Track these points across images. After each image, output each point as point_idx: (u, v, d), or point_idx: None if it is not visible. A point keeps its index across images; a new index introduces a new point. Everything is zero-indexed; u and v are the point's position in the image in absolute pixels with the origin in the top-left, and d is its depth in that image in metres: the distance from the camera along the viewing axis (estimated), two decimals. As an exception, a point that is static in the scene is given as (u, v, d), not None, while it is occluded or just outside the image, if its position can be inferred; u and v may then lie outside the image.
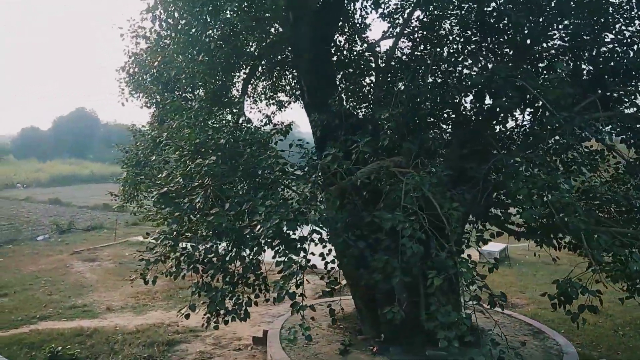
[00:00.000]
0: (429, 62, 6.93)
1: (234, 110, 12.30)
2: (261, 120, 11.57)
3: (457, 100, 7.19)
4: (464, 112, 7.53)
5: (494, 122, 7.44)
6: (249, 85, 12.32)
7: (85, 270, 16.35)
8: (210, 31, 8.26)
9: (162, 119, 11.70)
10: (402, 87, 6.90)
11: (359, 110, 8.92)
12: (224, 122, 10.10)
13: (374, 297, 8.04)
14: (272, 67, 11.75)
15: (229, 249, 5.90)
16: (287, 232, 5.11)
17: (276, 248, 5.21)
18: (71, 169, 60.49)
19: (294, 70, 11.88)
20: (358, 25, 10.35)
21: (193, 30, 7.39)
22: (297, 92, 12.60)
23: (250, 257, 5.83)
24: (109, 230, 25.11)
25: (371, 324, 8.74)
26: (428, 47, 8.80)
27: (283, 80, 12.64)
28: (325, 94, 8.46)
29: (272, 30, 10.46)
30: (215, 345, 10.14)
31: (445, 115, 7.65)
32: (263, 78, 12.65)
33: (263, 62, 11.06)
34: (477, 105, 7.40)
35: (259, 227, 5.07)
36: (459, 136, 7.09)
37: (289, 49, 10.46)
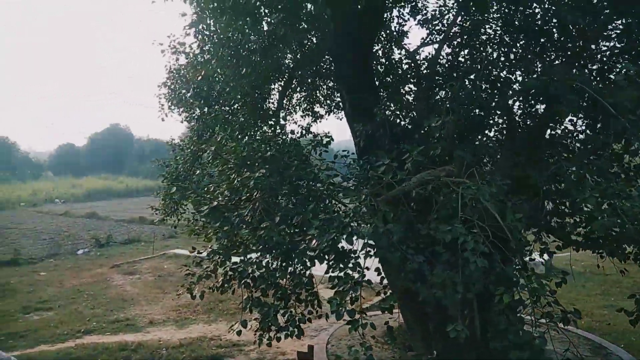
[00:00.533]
0: (479, 67, 6.69)
1: (270, 123, 12.33)
2: (299, 132, 11.52)
3: (509, 106, 6.92)
4: (514, 118, 7.25)
5: (548, 128, 7.13)
6: (285, 97, 12.33)
7: (125, 284, 16.55)
8: (251, 44, 8.27)
9: (201, 133, 11.81)
10: (450, 94, 6.67)
11: (401, 119, 8.73)
12: (267, 134, 10.10)
13: (425, 311, 7.78)
14: (308, 78, 11.70)
15: (279, 263, 5.80)
16: (342, 246, 4.96)
17: (331, 263, 5.06)
18: (106, 183, 61.94)
19: (330, 81, 11.81)
20: (395, 33, 10.20)
21: (233, 44, 7.37)
22: (333, 103, 12.53)
23: (301, 271, 5.71)
24: (146, 243, 25.44)
25: (421, 339, 8.46)
26: (472, 53, 8.56)
27: (318, 92, 12.61)
28: (367, 103, 8.32)
29: (308, 41, 10.42)
30: (260, 360, 10.03)
31: (495, 122, 7.38)
32: (299, 89, 12.64)
33: (299, 73, 11.02)
34: (529, 110, 7.12)
35: (314, 241, 4.94)
36: (511, 143, 6.82)
37: (328, 58, 10.39)
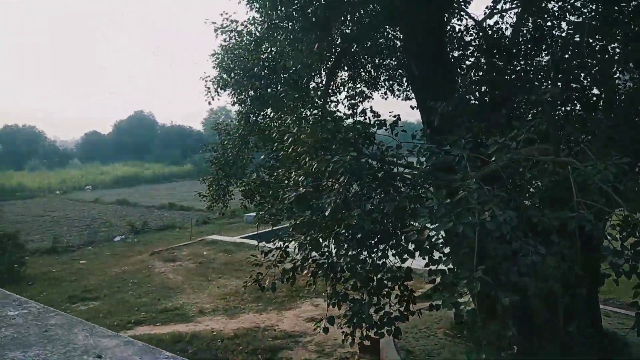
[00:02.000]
0: (565, 34, 5.92)
1: (317, 103, 11.73)
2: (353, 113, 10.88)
3: (610, 74, 6.17)
4: (614, 87, 6.49)
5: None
6: (335, 76, 11.68)
7: (167, 271, 16.30)
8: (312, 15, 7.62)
9: (249, 116, 11.29)
10: (551, 63, 5.95)
11: (479, 95, 8.01)
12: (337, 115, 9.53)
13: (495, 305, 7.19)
14: (361, 56, 11.01)
15: (372, 255, 5.26)
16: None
17: (441, 256, 4.48)
18: (133, 170, 62.29)
19: (379, 57, 11.07)
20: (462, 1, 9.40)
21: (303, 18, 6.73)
22: (379, 81, 11.78)
23: (398, 265, 5.16)
24: (180, 229, 25.30)
25: (497, 334, 7.88)
26: (553, 20, 7.75)
27: (363, 71, 11.85)
28: (440, 78, 7.67)
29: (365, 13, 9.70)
30: (319, 353, 9.59)
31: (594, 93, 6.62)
32: (346, 68, 11.94)
33: (355, 48, 10.31)
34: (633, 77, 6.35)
35: (425, 232, 4.35)
36: (622, 117, 6.08)
37: (384, 31, 9.68)
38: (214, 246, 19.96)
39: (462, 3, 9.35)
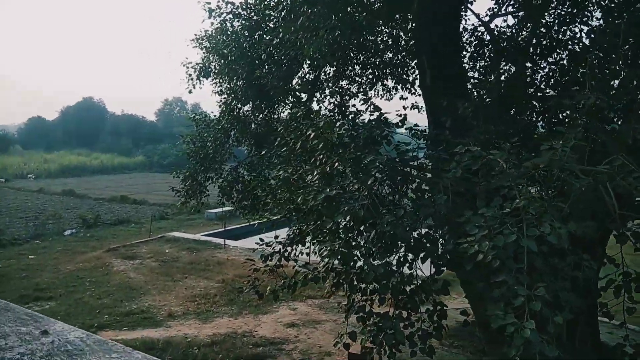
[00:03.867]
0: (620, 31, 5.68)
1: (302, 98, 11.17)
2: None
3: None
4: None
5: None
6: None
7: (127, 270, 15.22)
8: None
9: (234, 106, 10.58)
10: (588, 69, 5.68)
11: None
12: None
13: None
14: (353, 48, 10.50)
15: (400, 265, 4.81)
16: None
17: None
18: (80, 159, 59.17)
19: (372, 55, 10.58)
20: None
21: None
22: (370, 80, 11.34)
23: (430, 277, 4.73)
24: (136, 224, 23.97)
25: (497, 343, 7.65)
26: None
27: (348, 69, 11.32)
28: (452, 77, 7.34)
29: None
30: (305, 361, 9.06)
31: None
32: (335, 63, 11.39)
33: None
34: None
35: (476, 245, 3.92)
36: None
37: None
38: (176, 244, 18.95)
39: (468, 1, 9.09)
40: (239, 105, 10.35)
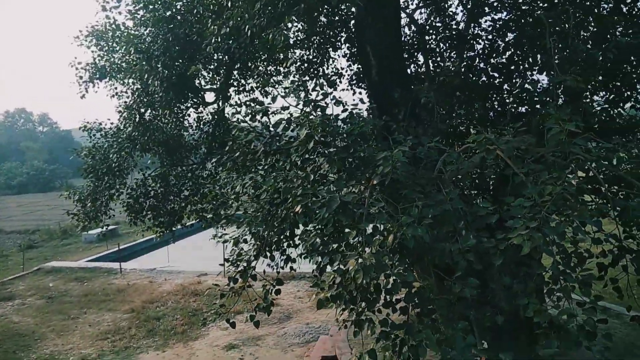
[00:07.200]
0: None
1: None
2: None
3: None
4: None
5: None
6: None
7: (7, 313, 12.72)
8: None
9: (143, 111, 9.28)
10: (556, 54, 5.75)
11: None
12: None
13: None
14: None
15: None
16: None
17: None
18: None
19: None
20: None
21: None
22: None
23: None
24: (1, 257, 20.46)
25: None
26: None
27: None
28: (399, 69, 7.17)
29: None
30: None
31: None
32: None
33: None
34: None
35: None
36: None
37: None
38: (58, 275, 16.45)
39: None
40: (142, 110, 9.11)
